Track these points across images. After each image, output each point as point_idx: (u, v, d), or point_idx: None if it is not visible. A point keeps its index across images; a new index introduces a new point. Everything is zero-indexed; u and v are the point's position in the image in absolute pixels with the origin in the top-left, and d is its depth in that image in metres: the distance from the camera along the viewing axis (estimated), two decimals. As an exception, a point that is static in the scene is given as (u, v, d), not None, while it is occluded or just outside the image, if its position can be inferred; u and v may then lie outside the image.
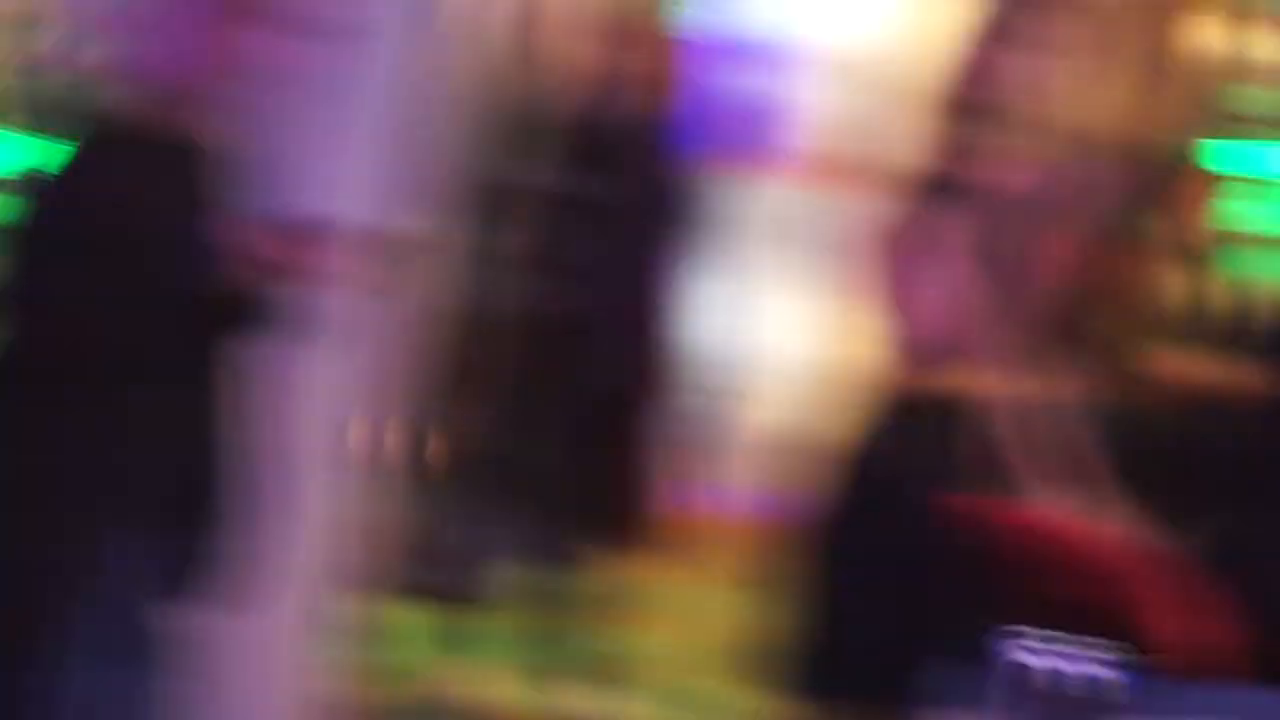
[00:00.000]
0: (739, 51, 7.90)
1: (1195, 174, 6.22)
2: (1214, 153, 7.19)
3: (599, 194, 4.88)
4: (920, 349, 3.23)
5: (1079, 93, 4.95)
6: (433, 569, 4.84)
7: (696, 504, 7.80)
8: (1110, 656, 1.62)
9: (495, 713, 5.07)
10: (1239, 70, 7.90)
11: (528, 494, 4.93)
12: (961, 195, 3.29)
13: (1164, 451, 5.93)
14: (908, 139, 3.35)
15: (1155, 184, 6.27)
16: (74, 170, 3.30)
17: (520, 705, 5.10)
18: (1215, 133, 7.61)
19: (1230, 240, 7.45)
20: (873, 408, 3.34)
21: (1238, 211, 7.54)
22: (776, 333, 8.14)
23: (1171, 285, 6.10)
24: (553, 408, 4.92)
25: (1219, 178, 6.25)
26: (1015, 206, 3.22)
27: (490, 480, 4.87)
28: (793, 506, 3.41)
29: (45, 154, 3.32)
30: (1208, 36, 7.82)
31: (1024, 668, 1.62)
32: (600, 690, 5.03)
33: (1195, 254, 6.18)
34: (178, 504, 3.27)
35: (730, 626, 5.51)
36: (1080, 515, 3.35)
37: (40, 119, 3.48)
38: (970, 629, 3.05)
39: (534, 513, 4.98)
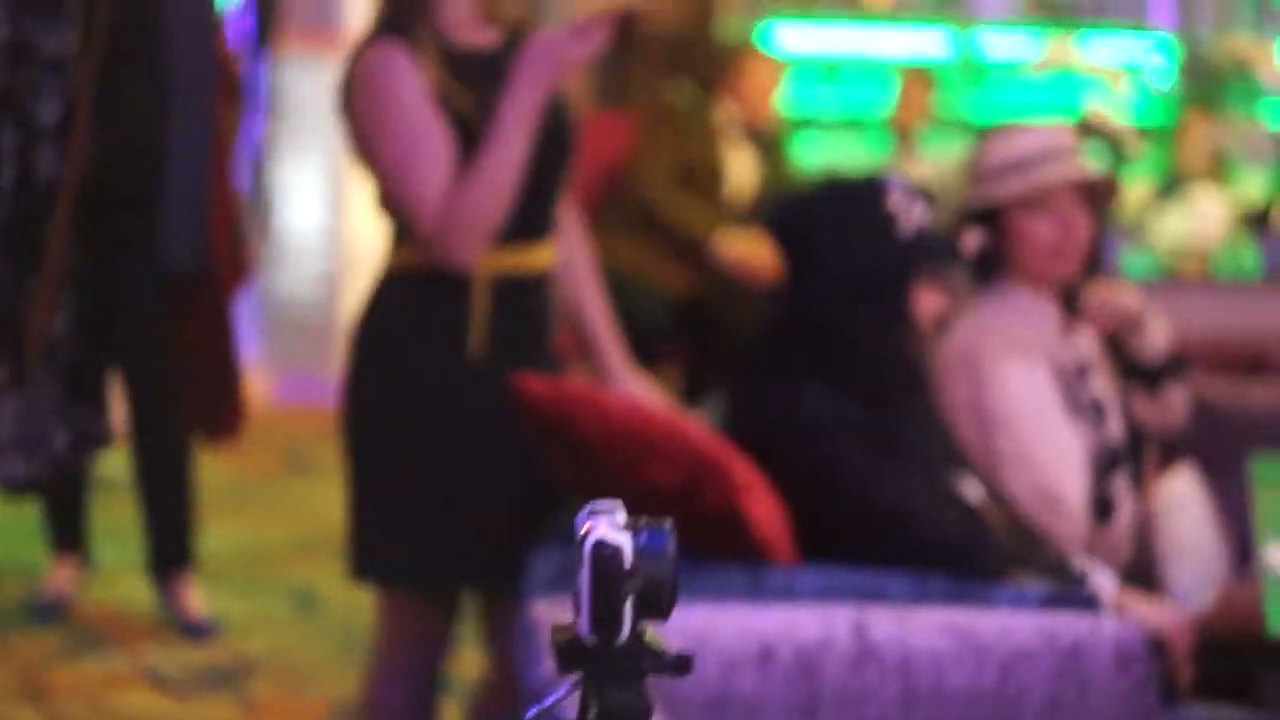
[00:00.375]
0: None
1: (757, 59, 6.43)
2: (773, 38, 7.43)
3: (144, 67, 4.69)
4: (447, 224, 3.07)
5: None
6: (25, 461, 4.73)
7: (282, 392, 7.81)
8: (670, 534, 1.69)
9: (105, 609, 5.02)
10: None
11: (111, 382, 4.83)
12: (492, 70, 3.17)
13: (696, 329, 6.14)
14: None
15: (716, 68, 6.46)
16: None
17: (129, 601, 5.06)
18: (775, 15, 7.86)
19: (793, 124, 7.72)
20: (392, 284, 3.24)
21: (799, 96, 7.81)
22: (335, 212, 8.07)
23: (739, 169, 6.32)
24: (124, 291, 4.80)
25: (780, 63, 6.48)
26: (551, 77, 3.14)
27: (67, 368, 4.75)
28: (342, 389, 3.29)
29: None
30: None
31: (601, 545, 1.67)
32: (204, 585, 5.02)
33: (760, 138, 6.41)
34: None
35: (323, 517, 5.54)
36: (645, 396, 3.33)
37: None
38: (551, 509, 3.09)
39: (124, 402, 4.89)
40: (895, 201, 3.13)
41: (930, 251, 3.18)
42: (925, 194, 3.18)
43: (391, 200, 3.18)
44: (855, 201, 3.17)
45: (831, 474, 3.02)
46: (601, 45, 3.10)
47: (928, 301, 3.20)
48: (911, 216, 3.14)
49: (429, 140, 3.10)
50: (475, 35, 3.21)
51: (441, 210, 3.09)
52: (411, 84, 3.11)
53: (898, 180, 3.19)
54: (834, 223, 3.15)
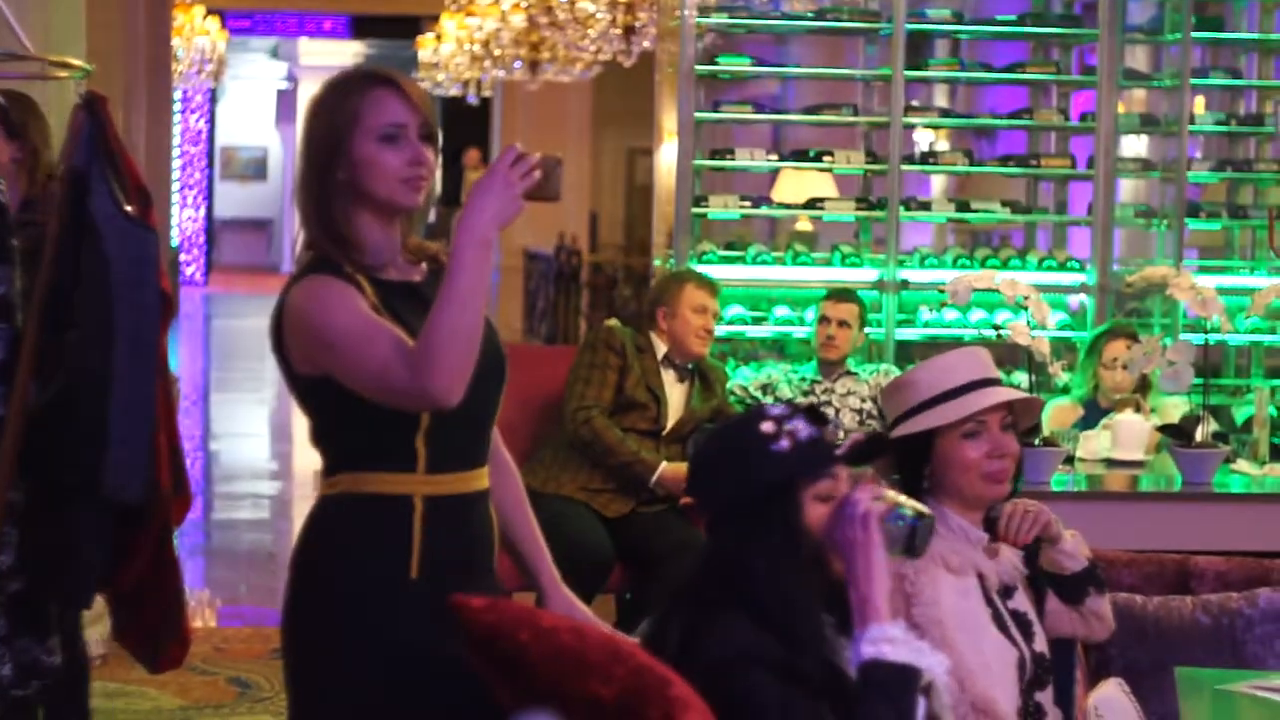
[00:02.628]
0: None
1: (691, 290, 6.46)
2: (706, 270, 7.42)
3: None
4: None
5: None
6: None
7: (227, 618, 7.76)
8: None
9: None
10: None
11: (53, 613, 4.82)
12: None
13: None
14: None
15: (651, 300, 6.50)
16: None
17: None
18: (697, 249, 7.90)
19: (732, 352, 7.77)
20: (330, 511, 3.28)
21: (738, 320, 7.86)
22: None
23: (674, 397, 6.36)
24: (69, 525, 4.79)
25: (714, 293, 6.49)
26: None
27: (11, 602, 4.73)
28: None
29: None
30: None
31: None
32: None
33: (695, 366, 6.45)
34: None
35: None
36: (585, 618, 3.36)
37: None
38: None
39: (62, 633, 4.87)
40: (767, 425, 3.15)
41: (815, 461, 3.16)
42: (811, 411, 3.18)
43: (330, 419, 3.21)
44: (728, 434, 3.24)
45: (746, 713, 3.03)
46: (531, 181, 3.09)
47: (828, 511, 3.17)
48: (787, 435, 3.15)
49: (377, 320, 3.15)
50: (402, 272, 3.31)
51: (412, 352, 3.08)
52: (350, 297, 3.17)
53: (775, 406, 3.20)
54: (712, 458, 3.23)
